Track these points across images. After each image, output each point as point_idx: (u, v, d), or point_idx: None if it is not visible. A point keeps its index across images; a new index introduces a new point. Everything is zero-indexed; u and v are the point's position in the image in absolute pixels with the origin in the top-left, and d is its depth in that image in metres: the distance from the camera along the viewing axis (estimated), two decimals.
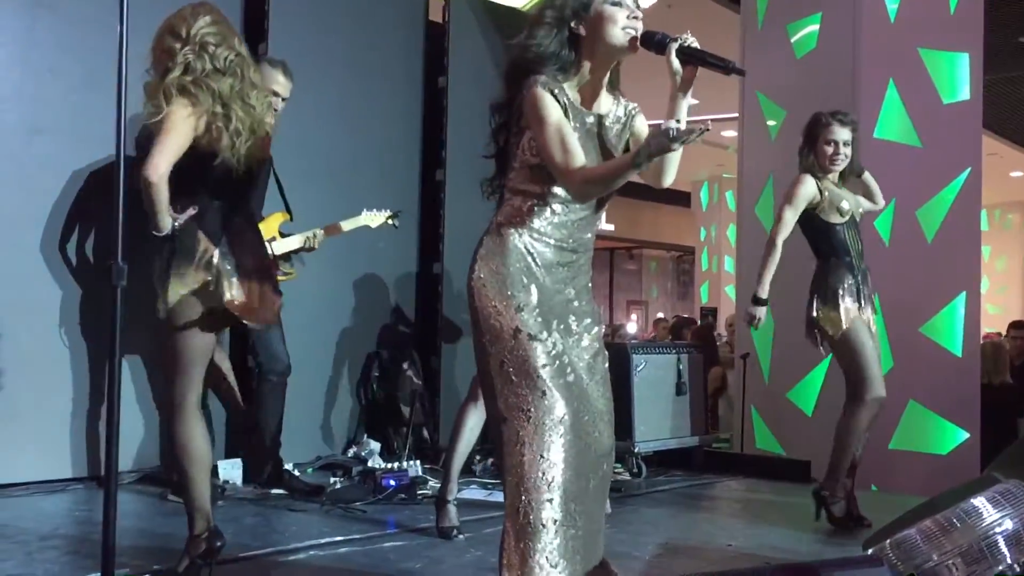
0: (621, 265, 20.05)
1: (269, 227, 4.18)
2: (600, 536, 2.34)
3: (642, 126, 2.47)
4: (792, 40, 5.67)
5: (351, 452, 5.07)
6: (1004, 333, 7.83)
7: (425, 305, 5.64)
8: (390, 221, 4.59)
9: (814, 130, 3.96)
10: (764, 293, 3.98)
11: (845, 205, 3.95)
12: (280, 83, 4.12)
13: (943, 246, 5.42)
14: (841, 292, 3.87)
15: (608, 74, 2.39)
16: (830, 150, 3.92)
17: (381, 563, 3.18)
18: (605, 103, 2.41)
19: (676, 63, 2.23)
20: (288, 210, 4.29)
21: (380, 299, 5.41)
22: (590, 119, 2.34)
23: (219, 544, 2.75)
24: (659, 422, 5.03)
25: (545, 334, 2.26)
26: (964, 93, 5.55)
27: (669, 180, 2.41)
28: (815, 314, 3.90)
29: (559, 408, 2.20)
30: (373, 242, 4.98)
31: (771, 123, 5.77)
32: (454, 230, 5.48)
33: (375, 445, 5.03)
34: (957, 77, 5.54)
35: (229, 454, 4.61)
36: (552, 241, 2.33)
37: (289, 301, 4.56)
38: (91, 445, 4.27)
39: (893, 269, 5.25)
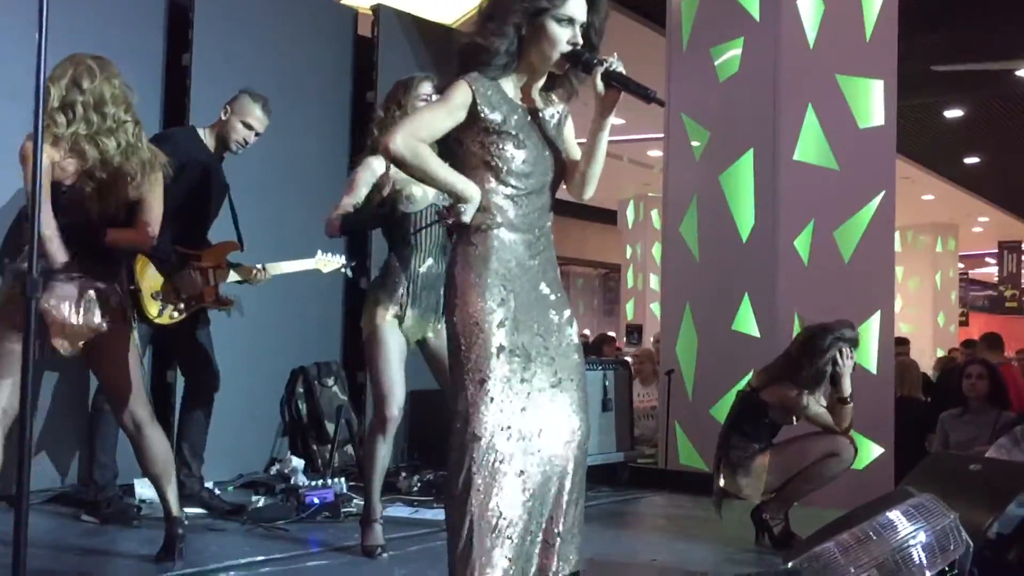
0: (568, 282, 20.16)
1: (216, 256, 4.11)
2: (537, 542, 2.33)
3: (570, 131, 2.54)
4: (716, 63, 5.79)
5: (274, 470, 4.98)
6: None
7: (352, 320, 5.58)
8: (343, 270, 4.49)
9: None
10: None
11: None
12: (256, 117, 4.12)
13: (859, 266, 5.57)
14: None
15: (543, 78, 2.46)
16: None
17: None
18: (539, 101, 2.48)
19: (600, 85, 2.30)
20: (240, 240, 4.22)
21: (306, 314, 5.34)
22: (522, 112, 2.40)
23: None
24: (597, 435, 5.05)
25: (523, 349, 2.29)
26: (879, 118, 5.74)
27: (589, 193, 2.51)
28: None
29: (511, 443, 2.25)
30: (290, 254, 4.90)
31: (695, 144, 5.88)
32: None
33: (298, 462, 4.95)
34: (872, 102, 5.73)
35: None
36: (522, 234, 2.36)
37: (213, 315, 4.52)
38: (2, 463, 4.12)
39: (812, 288, 5.38)
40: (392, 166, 3.42)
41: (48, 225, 2.89)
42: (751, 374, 4.32)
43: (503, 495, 2.23)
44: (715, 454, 4.02)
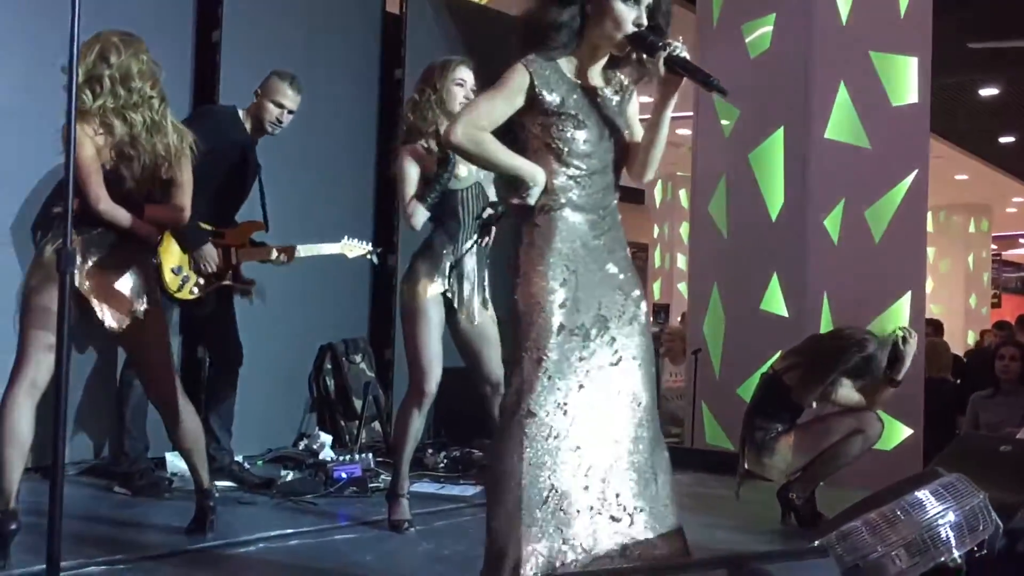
0: None
1: (240, 235, 4.14)
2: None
3: (635, 111, 2.52)
4: (746, 40, 5.73)
5: (302, 445, 5.03)
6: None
7: (379, 297, 5.62)
8: (369, 256, 4.50)
9: None
10: None
11: None
12: (287, 95, 4.13)
13: (890, 246, 5.51)
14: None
15: (605, 58, 2.44)
16: None
17: (332, 556, 3.17)
18: (599, 81, 2.45)
19: (662, 70, 2.28)
20: (266, 220, 4.24)
21: (334, 291, 5.37)
22: (581, 92, 2.38)
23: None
24: None
25: (583, 328, 2.29)
26: (912, 96, 5.65)
27: (648, 176, 2.51)
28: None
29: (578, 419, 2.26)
30: (327, 236, 4.92)
31: (724, 122, 5.83)
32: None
33: (326, 438, 5.00)
34: (906, 80, 5.64)
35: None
36: (586, 214, 2.36)
37: None
38: (37, 435, 4.18)
39: (841, 268, 5.33)
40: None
41: (105, 199, 2.96)
42: (777, 356, 4.30)
43: (558, 471, 2.23)
44: (740, 435, 4.01)
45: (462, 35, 5.89)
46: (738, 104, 5.73)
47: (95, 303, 2.99)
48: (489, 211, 3.09)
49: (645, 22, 2.34)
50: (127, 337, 3.12)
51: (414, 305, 3.51)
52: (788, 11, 5.54)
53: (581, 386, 2.28)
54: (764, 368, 4.30)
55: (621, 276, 2.41)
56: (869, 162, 5.46)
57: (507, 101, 2.34)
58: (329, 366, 5.29)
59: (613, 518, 2.29)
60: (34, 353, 2.89)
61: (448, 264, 3.52)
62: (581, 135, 2.36)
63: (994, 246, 20.75)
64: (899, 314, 5.56)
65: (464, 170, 3.54)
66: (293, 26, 5.16)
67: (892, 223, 5.53)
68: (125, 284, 3.03)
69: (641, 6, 2.33)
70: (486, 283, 3.66)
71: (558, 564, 2.21)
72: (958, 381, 7.10)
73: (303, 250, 4.27)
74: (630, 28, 2.32)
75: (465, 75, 3.63)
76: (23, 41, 4.17)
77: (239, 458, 4.39)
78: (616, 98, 2.45)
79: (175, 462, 4.31)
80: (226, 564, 3.09)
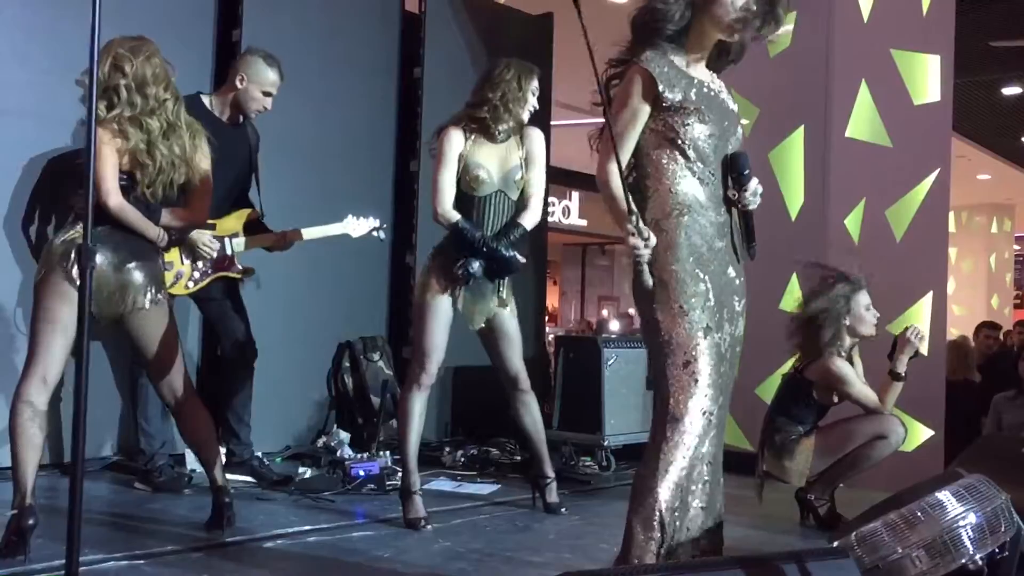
0: (593, 260, 20.08)
1: (230, 224, 4.09)
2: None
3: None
4: (767, 38, 5.69)
5: (320, 442, 5.04)
6: (972, 335, 7.91)
7: (397, 295, 5.63)
8: (375, 233, 4.45)
9: None
10: None
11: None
12: (274, 83, 4.06)
13: (911, 246, 5.47)
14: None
15: (709, 51, 2.44)
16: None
17: (349, 553, 3.17)
18: (706, 74, 2.44)
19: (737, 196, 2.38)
20: (260, 209, 4.22)
21: (352, 289, 5.38)
22: (699, 85, 2.37)
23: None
24: (629, 415, 5.05)
25: (715, 329, 2.30)
26: (935, 95, 5.61)
27: None
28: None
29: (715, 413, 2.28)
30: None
31: (744, 121, 5.79)
32: (427, 221, 5.44)
33: (344, 435, 5.01)
34: (928, 78, 5.60)
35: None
36: (711, 215, 2.35)
37: (261, 290, 4.57)
38: (56, 432, 4.22)
39: (862, 267, 5.29)
40: (465, 145, 3.55)
41: (116, 195, 3.00)
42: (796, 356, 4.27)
43: (693, 476, 2.24)
44: (760, 437, 3.99)
45: (481, 33, 5.90)
46: (758, 103, 5.70)
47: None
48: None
49: (753, 6, 2.33)
50: (134, 331, 3.13)
51: (423, 299, 3.58)
52: (810, 9, 5.50)
53: (720, 392, 2.28)
54: (783, 369, 4.28)
55: (737, 282, 2.41)
56: (890, 161, 5.42)
57: (635, 116, 2.31)
58: (347, 364, 5.30)
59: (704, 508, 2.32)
60: (43, 349, 2.91)
61: (464, 270, 3.53)
62: (704, 131, 2.34)
63: (1017, 246, 20.55)
64: (920, 314, 5.52)
65: (484, 174, 3.56)
66: (312, 25, 5.17)
67: (913, 223, 5.49)
68: (130, 278, 3.04)
69: None
70: (505, 283, 3.66)
71: None
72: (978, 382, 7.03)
73: (307, 233, 4.20)
74: (738, 12, 2.32)
75: (536, 85, 3.69)
76: (41, 40, 4.20)
77: (259, 454, 4.41)
78: (723, 93, 2.43)
79: (194, 458, 4.34)
80: (244, 560, 3.10)
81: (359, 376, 5.27)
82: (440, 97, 5.56)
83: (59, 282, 2.89)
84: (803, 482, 3.87)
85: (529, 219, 3.66)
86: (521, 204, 3.67)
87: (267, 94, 4.07)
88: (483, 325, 3.66)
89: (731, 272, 2.39)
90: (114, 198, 3.00)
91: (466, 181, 3.58)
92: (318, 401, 5.25)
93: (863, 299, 3.87)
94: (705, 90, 2.37)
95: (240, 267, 4.10)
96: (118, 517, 3.54)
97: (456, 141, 3.57)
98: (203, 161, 3.24)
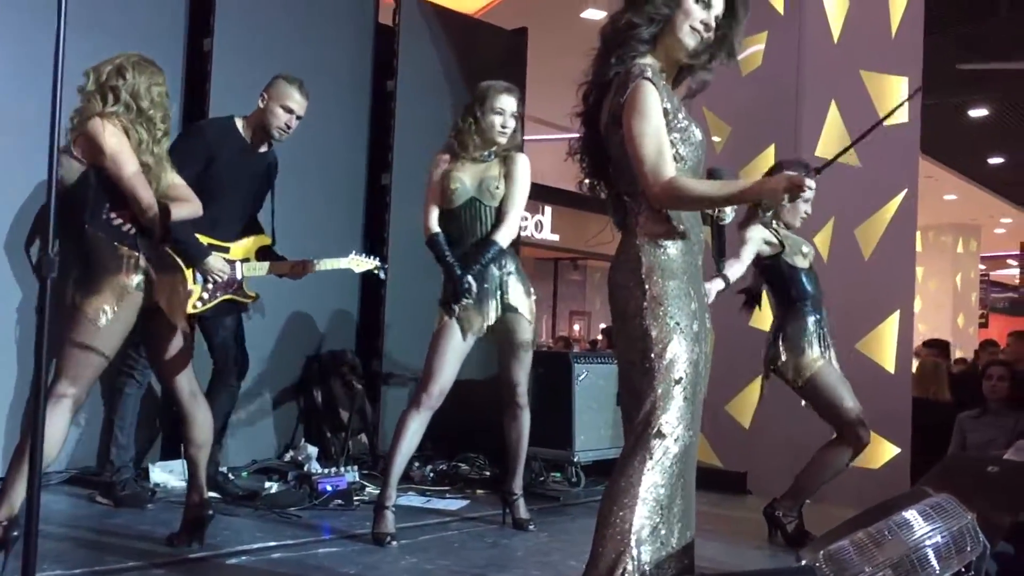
0: (565, 275, 20.11)
1: (244, 249, 4.10)
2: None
3: None
4: (738, 57, 5.74)
5: (288, 456, 4.99)
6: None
7: (368, 308, 5.60)
8: (376, 272, 4.45)
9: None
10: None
11: (806, 249, 4.01)
12: (296, 100, 4.07)
13: (879, 265, 5.52)
14: (805, 342, 3.89)
15: (674, 72, 2.42)
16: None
17: (314, 570, 3.14)
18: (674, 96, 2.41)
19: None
20: (272, 234, 4.22)
21: (322, 301, 5.34)
22: (678, 101, 2.35)
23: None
24: (599, 431, 5.04)
25: (698, 349, 2.28)
26: (903, 116, 5.67)
27: None
28: (781, 360, 3.92)
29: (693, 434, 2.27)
30: (317, 245, 4.90)
31: (716, 139, 5.84)
32: (399, 234, 5.44)
33: (312, 450, 4.96)
34: (897, 100, 5.66)
35: (164, 456, 4.52)
36: (693, 235, 2.34)
37: None
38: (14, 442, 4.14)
39: (831, 285, 5.31)
40: (448, 167, 3.66)
41: (154, 206, 3.07)
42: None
43: (672, 492, 2.23)
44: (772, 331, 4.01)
45: (454, 47, 5.90)
46: (730, 121, 5.75)
47: (168, 311, 3.12)
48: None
49: (713, 24, 2.34)
50: (150, 332, 3.18)
51: (436, 324, 3.67)
52: (780, 29, 5.56)
53: (695, 416, 2.27)
54: (754, 386, 4.30)
55: (706, 299, 2.41)
56: (859, 181, 5.47)
57: (662, 123, 2.26)
58: (317, 378, 5.26)
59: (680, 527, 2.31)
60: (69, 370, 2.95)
61: (464, 285, 3.55)
62: (691, 148, 2.33)
63: (982, 266, 20.86)
64: (887, 332, 5.56)
65: (458, 185, 3.61)
66: (285, 35, 5.15)
67: (881, 242, 5.54)
68: (179, 283, 3.24)
69: (710, 12, 2.33)
70: (508, 288, 3.67)
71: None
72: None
73: (319, 265, 4.22)
74: (696, 25, 2.32)
75: (504, 103, 3.69)
76: (13, 50, 4.14)
77: (223, 469, 4.36)
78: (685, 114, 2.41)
79: (158, 473, 4.28)
80: None
81: (328, 390, 5.23)
82: (413, 110, 5.56)
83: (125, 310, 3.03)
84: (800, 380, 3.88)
85: (502, 234, 3.67)
86: (498, 219, 3.68)
87: (287, 110, 4.06)
88: (487, 333, 3.70)
89: (703, 290, 2.40)
90: (153, 211, 3.05)
91: (445, 197, 3.69)
92: (286, 415, 5.20)
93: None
94: (681, 106, 2.37)
95: (249, 292, 4.10)
96: (79, 531, 3.47)
97: (440, 164, 3.74)
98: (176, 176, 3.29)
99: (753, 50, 5.71)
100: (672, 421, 2.21)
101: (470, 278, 3.60)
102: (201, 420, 3.29)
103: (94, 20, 4.23)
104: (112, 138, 3.00)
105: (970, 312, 18.89)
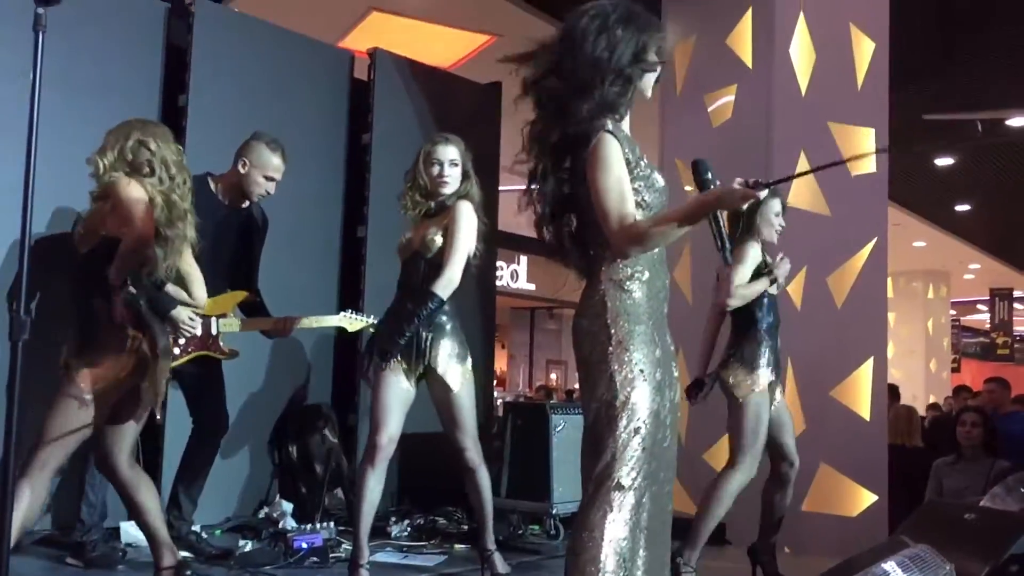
0: (541, 324, 20.16)
1: (220, 305, 4.07)
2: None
3: None
4: (709, 109, 5.85)
5: (263, 513, 4.92)
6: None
7: (343, 361, 5.56)
8: (372, 329, 4.37)
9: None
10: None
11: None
12: (276, 167, 4.11)
13: (852, 312, 5.59)
14: (761, 361, 3.93)
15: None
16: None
17: None
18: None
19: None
20: (257, 291, 4.21)
21: (297, 355, 5.31)
22: (639, 148, 2.35)
23: None
24: (577, 482, 4.96)
25: (659, 398, 2.25)
26: (871, 166, 5.78)
27: None
28: (729, 377, 3.94)
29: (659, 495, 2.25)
30: (293, 298, 4.88)
31: (688, 188, 5.91)
32: (375, 286, 5.43)
33: (287, 506, 4.89)
34: (864, 150, 5.77)
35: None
36: (661, 279, 2.34)
37: None
38: None
39: (805, 333, 5.38)
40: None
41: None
42: None
43: (635, 546, 2.20)
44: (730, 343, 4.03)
45: (429, 101, 5.95)
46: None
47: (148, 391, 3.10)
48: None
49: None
50: (129, 404, 3.15)
51: (379, 372, 3.55)
52: (749, 82, 5.67)
53: (659, 462, 2.25)
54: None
55: (671, 348, 2.39)
56: (829, 230, 5.55)
57: (624, 173, 2.27)
58: (291, 432, 5.21)
59: None
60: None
61: (410, 333, 3.52)
62: (655, 194, 2.34)
63: (953, 311, 21.10)
64: (862, 380, 5.61)
65: (403, 239, 3.70)
66: (260, 91, 5.18)
67: (853, 289, 5.61)
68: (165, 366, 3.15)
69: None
70: (432, 350, 3.63)
71: None
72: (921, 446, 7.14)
73: (305, 321, 4.20)
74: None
75: (440, 154, 3.69)
76: None
77: (197, 527, 4.28)
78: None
79: (129, 532, 4.20)
80: None
81: (303, 445, 5.17)
82: (388, 164, 5.57)
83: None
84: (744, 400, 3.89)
85: (439, 285, 3.56)
86: (438, 270, 3.63)
87: (269, 179, 4.10)
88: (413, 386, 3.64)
89: (668, 338, 2.38)
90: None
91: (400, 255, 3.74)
92: (260, 470, 5.13)
93: (775, 206, 4.05)
94: (643, 154, 2.38)
95: (224, 348, 4.06)
96: None
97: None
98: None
99: (723, 101, 5.82)
100: (632, 473, 2.19)
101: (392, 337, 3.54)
102: (148, 483, 3.24)
103: (68, 75, 4.24)
104: (135, 192, 3.03)
105: (942, 357, 19.05)
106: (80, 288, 3.11)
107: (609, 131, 2.29)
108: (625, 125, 2.40)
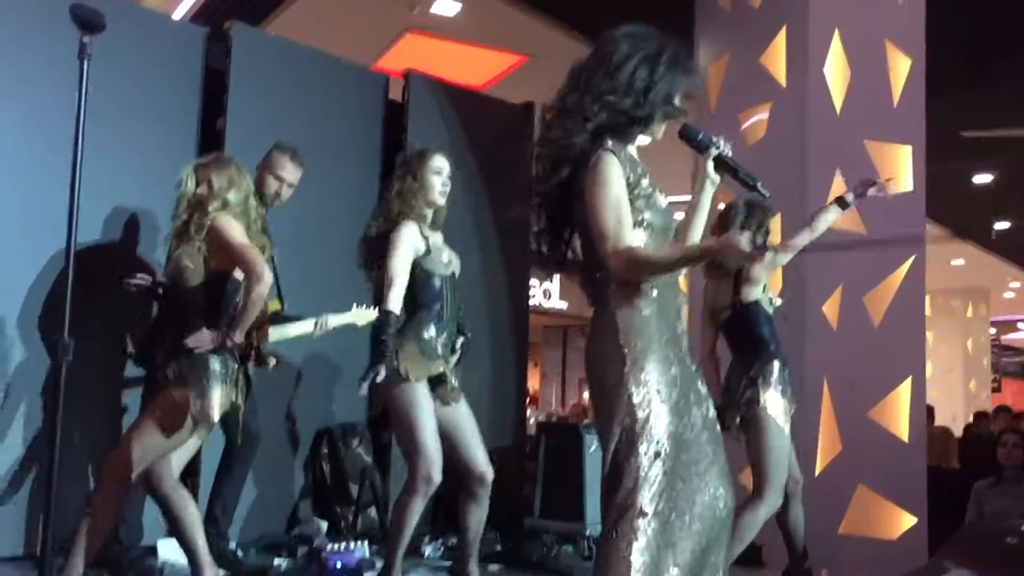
0: (574, 343, 20.08)
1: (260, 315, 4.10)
2: None
3: None
4: (743, 127, 5.82)
5: (297, 531, 4.94)
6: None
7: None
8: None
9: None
10: None
11: (771, 294, 4.04)
12: (286, 168, 4.19)
13: (890, 331, 5.51)
14: (782, 383, 3.88)
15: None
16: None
17: None
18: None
19: (711, 167, 2.31)
20: (281, 298, 4.26)
21: (331, 374, 5.34)
22: (641, 167, 2.34)
23: None
24: None
25: (681, 415, 2.22)
26: (908, 184, 5.72)
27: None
28: (760, 401, 3.86)
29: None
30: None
31: (721, 206, 5.88)
32: None
33: (322, 524, 4.91)
34: (900, 168, 5.72)
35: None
36: (673, 296, 2.32)
37: None
38: (23, 520, 4.12)
39: (841, 353, 5.32)
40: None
41: None
42: None
43: (664, 568, 2.16)
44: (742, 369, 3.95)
45: (463, 121, 5.99)
46: (735, 189, 5.79)
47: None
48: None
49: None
50: None
51: (410, 389, 3.50)
52: (783, 100, 5.64)
53: (684, 482, 2.20)
54: None
55: (693, 368, 2.34)
56: (866, 248, 5.49)
57: (622, 193, 2.26)
58: (326, 451, 5.23)
59: None
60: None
61: (438, 347, 3.54)
62: (657, 214, 2.32)
63: (992, 330, 20.76)
64: (900, 399, 5.53)
65: (447, 256, 3.62)
66: (297, 112, 5.23)
67: (891, 308, 5.54)
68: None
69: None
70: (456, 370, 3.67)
71: None
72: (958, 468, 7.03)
73: (332, 320, 4.21)
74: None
75: (442, 164, 3.72)
76: (33, 130, 4.22)
77: (232, 545, 4.31)
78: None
79: (167, 549, 4.23)
80: None
81: (337, 463, 5.19)
82: None
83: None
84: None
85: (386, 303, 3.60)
86: None
87: (278, 178, 4.17)
88: (452, 408, 3.64)
89: (687, 360, 2.33)
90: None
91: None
92: (295, 488, 5.16)
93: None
94: (646, 172, 2.36)
95: (265, 356, 4.08)
96: None
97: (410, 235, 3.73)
98: None
99: (757, 119, 5.79)
100: (655, 499, 2.16)
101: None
102: (190, 500, 3.34)
103: (108, 101, 4.31)
104: (241, 237, 3.29)
105: (982, 377, 18.74)
106: (184, 317, 3.30)
107: (610, 150, 2.28)
108: (633, 148, 2.40)
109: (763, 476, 3.81)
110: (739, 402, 3.90)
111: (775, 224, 5.48)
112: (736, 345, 4.03)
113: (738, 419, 3.90)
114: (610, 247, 2.21)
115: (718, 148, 2.35)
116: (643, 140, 2.41)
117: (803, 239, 3.99)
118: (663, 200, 2.36)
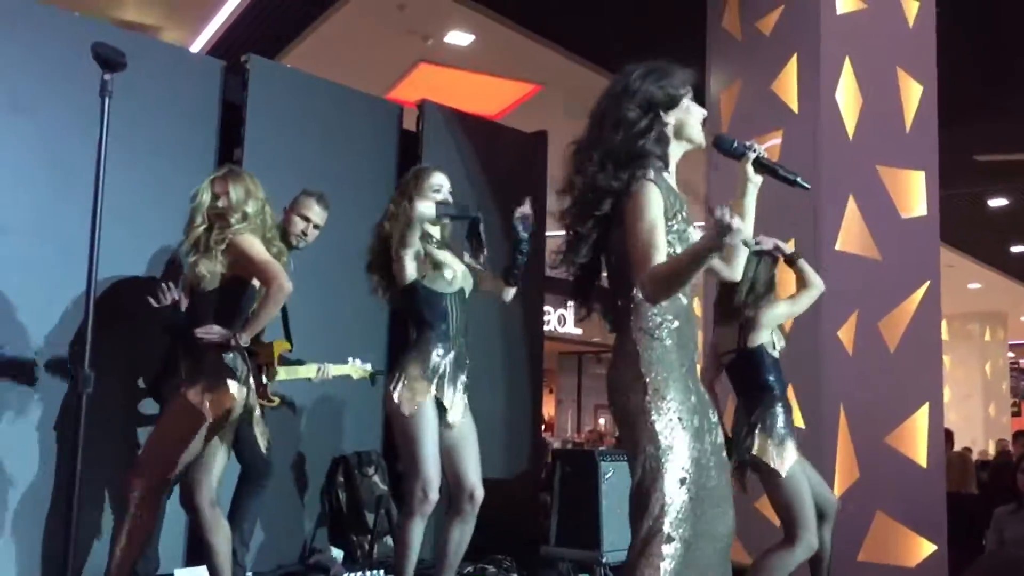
0: (589, 369, 20.06)
1: (268, 353, 4.10)
2: None
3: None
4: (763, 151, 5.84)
5: (313, 560, 4.94)
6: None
7: None
8: (370, 379, 4.57)
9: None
10: None
11: (776, 336, 4.02)
12: (313, 210, 4.32)
13: (906, 357, 5.49)
14: (785, 429, 3.85)
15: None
16: None
17: None
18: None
19: (751, 171, 2.35)
20: (289, 337, 4.28)
21: (346, 402, 5.35)
22: (677, 195, 2.37)
23: None
24: (627, 531, 4.95)
25: (698, 445, 2.24)
26: (921, 209, 5.72)
27: (739, 270, 2.59)
28: (755, 449, 3.81)
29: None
30: (341, 346, 4.94)
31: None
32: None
33: (338, 553, 4.91)
34: (914, 193, 5.72)
35: (189, 562, 4.48)
36: (692, 327, 2.34)
37: None
38: (48, 551, 4.13)
39: (857, 379, 5.30)
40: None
41: None
42: None
43: None
44: (738, 418, 3.92)
45: (477, 150, 6.04)
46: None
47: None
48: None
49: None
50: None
51: (412, 409, 3.50)
52: (795, 126, 5.66)
53: (709, 510, 2.23)
54: None
55: (706, 397, 2.38)
56: (880, 273, 5.48)
57: (659, 220, 2.28)
58: (341, 479, 5.23)
59: None
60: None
61: (443, 366, 3.55)
62: (686, 248, 2.33)
63: (1011, 354, 20.60)
64: (918, 425, 5.50)
65: (449, 273, 3.62)
66: (312, 142, 5.29)
67: (906, 333, 5.52)
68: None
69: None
70: (466, 385, 3.66)
71: None
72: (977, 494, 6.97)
73: (334, 370, 4.36)
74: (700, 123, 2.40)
75: (441, 181, 3.73)
76: (54, 158, 4.28)
77: (250, 574, 4.31)
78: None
79: None
80: None
81: (353, 491, 5.19)
82: None
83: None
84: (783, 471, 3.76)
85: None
86: None
87: (304, 218, 4.29)
88: (454, 428, 3.64)
89: (702, 388, 2.37)
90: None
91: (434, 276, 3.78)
92: (310, 517, 5.16)
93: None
94: (683, 206, 2.39)
95: (271, 395, 4.12)
96: None
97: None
98: None
99: (770, 145, 5.81)
100: (680, 525, 2.18)
101: None
102: (225, 526, 3.36)
103: (127, 130, 4.37)
104: (262, 253, 3.37)
105: (1002, 401, 18.58)
106: (199, 321, 3.36)
107: (651, 179, 2.31)
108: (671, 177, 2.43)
109: (790, 524, 3.77)
110: (740, 446, 3.86)
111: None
112: (740, 390, 4.02)
113: (736, 462, 3.85)
114: (640, 270, 2.24)
115: (755, 151, 2.38)
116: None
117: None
118: (695, 235, 2.37)
